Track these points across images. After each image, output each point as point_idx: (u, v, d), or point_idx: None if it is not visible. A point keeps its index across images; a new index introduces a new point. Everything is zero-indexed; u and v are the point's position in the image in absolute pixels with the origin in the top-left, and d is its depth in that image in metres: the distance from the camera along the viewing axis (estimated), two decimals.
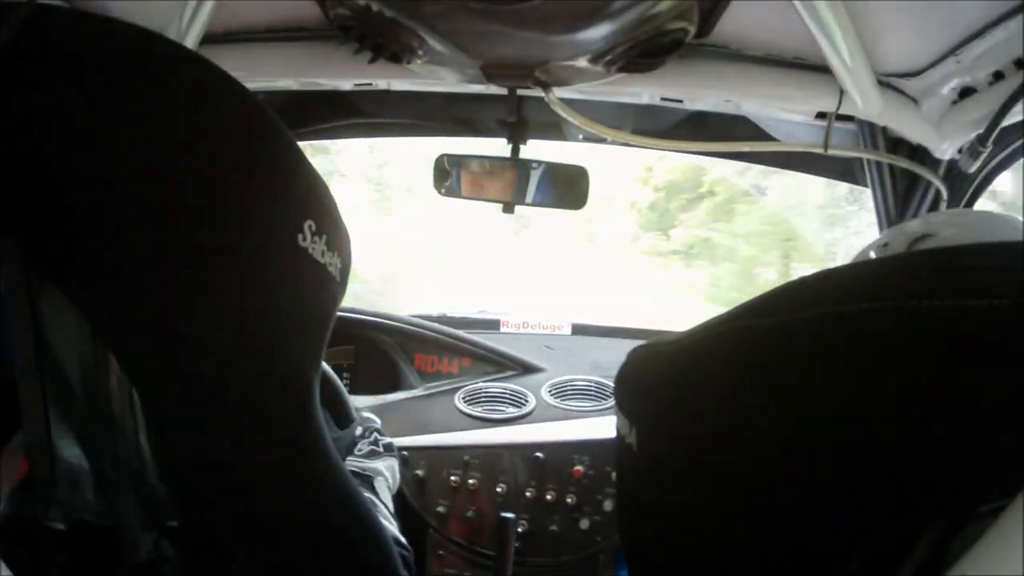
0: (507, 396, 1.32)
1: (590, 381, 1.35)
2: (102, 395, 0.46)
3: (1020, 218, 0.61)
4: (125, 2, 0.80)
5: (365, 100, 1.26)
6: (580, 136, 1.32)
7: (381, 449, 0.87)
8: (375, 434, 0.89)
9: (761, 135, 1.12)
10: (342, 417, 0.99)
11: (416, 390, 1.38)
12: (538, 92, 0.91)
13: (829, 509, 0.30)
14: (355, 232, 0.58)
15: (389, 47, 0.82)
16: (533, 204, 1.09)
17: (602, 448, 1.19)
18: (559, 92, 0.93)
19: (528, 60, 0.85)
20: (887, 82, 0.89)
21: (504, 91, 0.99)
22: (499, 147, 1.13)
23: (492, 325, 1.54)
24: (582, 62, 0.84)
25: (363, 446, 0.87)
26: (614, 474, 1.09)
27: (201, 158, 0.44)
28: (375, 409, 1.31)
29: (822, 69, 0.87)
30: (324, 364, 0.94)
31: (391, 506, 0.79)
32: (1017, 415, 0.26)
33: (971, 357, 0.27)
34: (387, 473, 0.84)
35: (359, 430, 0.91)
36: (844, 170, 1.20)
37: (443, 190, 1.12)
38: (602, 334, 1.53)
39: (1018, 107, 0.70)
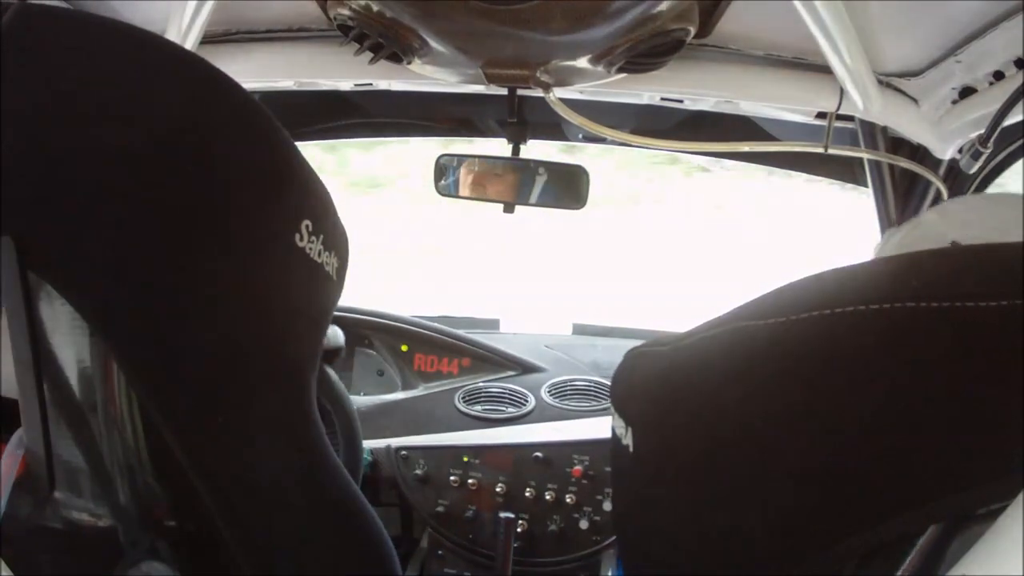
0: (507, 396, 1.32)
1: (590, 381, 1.35)
2: (100, 395, 0.46)
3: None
4: (125, 2, 0.80)
5: (365, 100, 1.26)
6: (580, 136, 1.32)
7: None
8: None
9: (761, 135, 1.12)
10: (343, 418, 0.99)
11: (416, 390, 1.39)
12: (538, 92, 0.91)
13: (826, 510, 0.30)
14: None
15: (389, 47, 0.82)
16: (533, 204, 1.09)
17: (602, 448, 1.19)
18: (559, 92, 0.93)
19: (528, 60, 0.85)
20: (887, 82, 0.89)
21: (504, 91, 0.99)
22: (500, 147, 1.13)
23: (492, 325, 1.55)
24: (582, 62, 0.84)
25: None
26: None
27: (199, 159, 0.44)
28: (375, 409, 1.31)
29: (822, 69, 0.87)
30: (323, 363, 0.95)
31: None
32: (1015, 417, 0.26)
33: (968, 359, 0.27)
34: None
35: None
36: (844, 170, 1.20)
37: (443, 190, 1.12)
38: (602, 334, 1.53)
39: (1018, 107, 0.69)
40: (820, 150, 0.94)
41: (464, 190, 1.11)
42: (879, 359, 0.29)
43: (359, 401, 1.32)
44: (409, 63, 0.87)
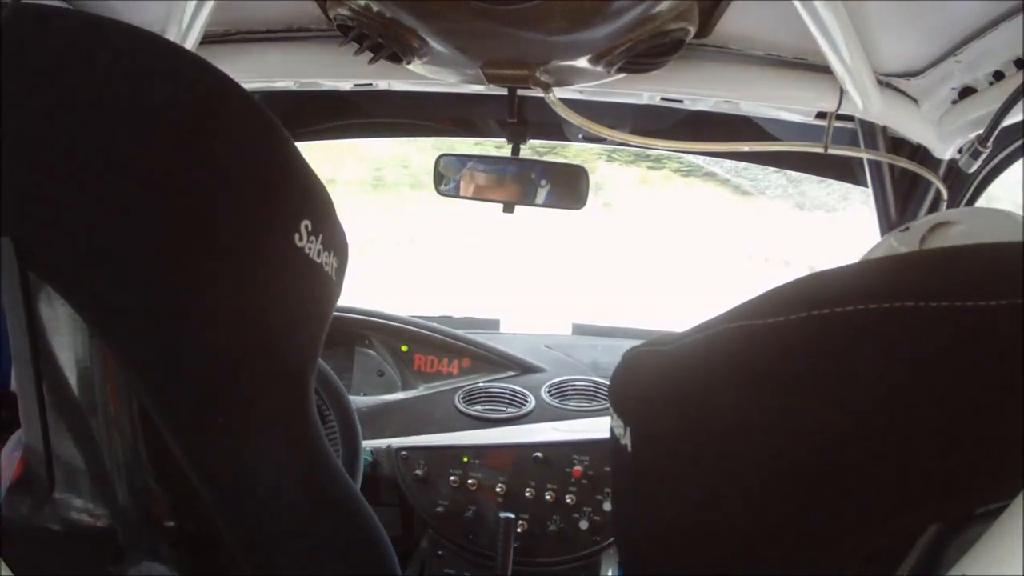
0: (507, 396, 1.32)
1: (590, 381, 1.35)
2: (100, 395, 0.46)
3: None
4: (125, 2, 0.80)
5: (365, 100, 1.26)
6: (580, 136, 1.32)
7: None
8: None
9: (761, 135, 1.12)
10: (342, 418, 0.99)
11: (416, 390, 1.39)
12: (538, 92, 0.91)
13: (826, 509, 0.30)
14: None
15: (389, 47, 0.82)
16: (533, 204, 1.09)
17: (602, 448, 1.19)
18: (559, 92, 0.93)
19: (528, 60, 0.85)
20: (887, 82, 0.89)
21: (504, 91, 0.99)
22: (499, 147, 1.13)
23: (492, 325, 1.55)
24: (582, 62, 0.84)
25: None
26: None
27: (199, 159, 0.44)
28: (375, 409, 1.31)
29: (822, 69, 0.87)
30: (323, 364, 0.95)
31: None
32: (1015, 416, 0.26)
33: (967, 358, 0.27)
34: None
35: None
36: (844, 170, 1.20)
37: (443, 191, 1.12)
38: (602, 334, 1.53)
39: (1018, 107, 0.69)
40: (820, 150, 0.94)
41: (464, 190, 1.11)
42: (879, 359, 0.29)
43: (359, 401, 1.32)
44: (409, 63, 0.87)
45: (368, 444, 1.20)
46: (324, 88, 1.05)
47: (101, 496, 0.47)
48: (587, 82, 0.93)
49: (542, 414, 1.28)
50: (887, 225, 1.05)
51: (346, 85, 1.04)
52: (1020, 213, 0.61)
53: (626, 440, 0.40)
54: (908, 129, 0.92)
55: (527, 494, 1.19)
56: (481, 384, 1.36)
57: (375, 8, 0.75)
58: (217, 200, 0.45)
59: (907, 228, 0.63)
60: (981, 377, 0.27)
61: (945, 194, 0.97)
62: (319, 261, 0.52)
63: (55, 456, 0.45)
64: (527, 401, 1.30)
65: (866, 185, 1.07)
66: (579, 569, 1.20)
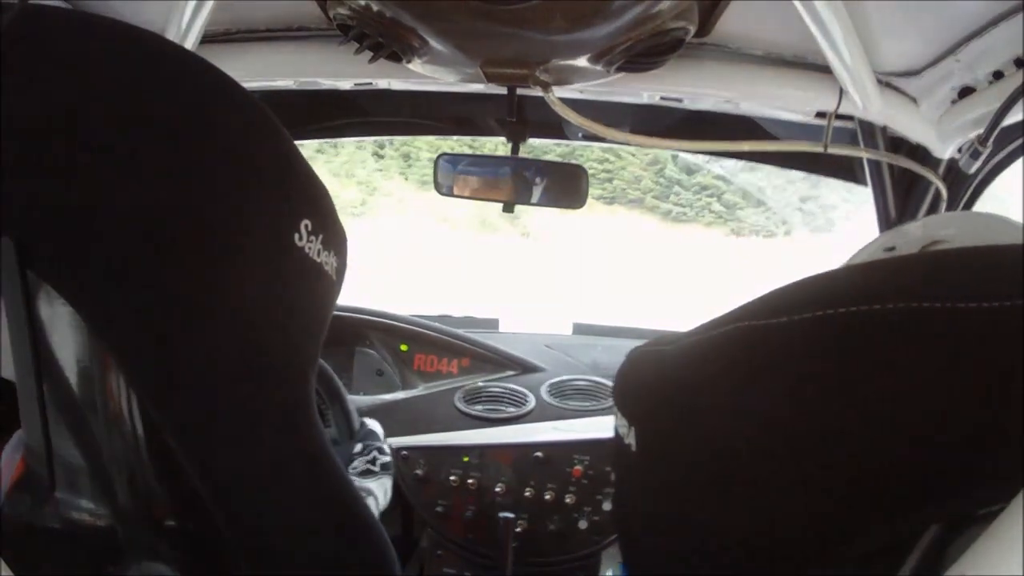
0: (507, 396, 1.32)
1: (590, 381, 1.35)
2: (100, 395, 0.46)
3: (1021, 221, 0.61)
4: (125, 2, 0.80)
5: (365, 100, 1.26)
6: (580, 136, 1.32)
7: (377, 468, 0.86)
8: (375, 452, 0.88)
9: (761, 135, 1.12)
10: (342, 418, 0.99)
11: (416, 390, 1.38)
12: (538, 91, 0.91)
13: (828, 510, 0.30)
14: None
15: (389, 46, 0.82)
16: (532, 203, 1.09)
17: (602, 448, 1.19)
18: (559, 92, 0.93)
19: (528, 60, 0.85)
20: (887, 82, 0.89)
21: (504, 91, 0.99)
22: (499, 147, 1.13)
23: (492, 325, 1.55)
24: (582, 62, 0.84)
25: (359, 463, 0.85)
26: (613, 474, 1.09)
27: (200, 159, 0.44)
28: (375, 409, 1.31)
29: (822, 69, 0.87)
30: (323, 363, 0.95)
31: None
32: (1016, 416, 0.26)
33: (969, 358, 0.27)
34: (378, 492, 0.82)
35: (359, 446, 0.90)
36: (844, 170, 1.20)
37: (443, 190, 1.12)
38: (603, 334, 1.53)
39: (1018, 107, 0.69)
40: (820, 149, 0.94)
41: (463, 190, 1.11)
42: (880, 359, 0.29)
43: (359, 401, 1.32)
44: (409, 62, 0.87)
45: None
46: (324, 88, 1.05)
47: (101, 496, 0.47)
48: (587, 81, 0.93)
49: (542, 414, 1.28)
50: (886, 224, 1.05)
51: (346, 85, 1.04)
52: (1016, 215, 0.60)
53: (631, 439, 0.40)
54: (908, 129, 0.92)
55: (527, 494, 1.19)
56: (481, 384, 1.35)
57: (375, 8, 0.75)
58: (217, 200, 0.45)
59: (893, 248, 0.62)
60: (983, 377, 0.27)
61: (945, 194, 0.97)
62: (319, 261, 0.52)
63: (55, 456, 0.45)
64: (527, 401, 1.30)
65: (866, 184, 1.07)
66: (579, 569, 1.20)
